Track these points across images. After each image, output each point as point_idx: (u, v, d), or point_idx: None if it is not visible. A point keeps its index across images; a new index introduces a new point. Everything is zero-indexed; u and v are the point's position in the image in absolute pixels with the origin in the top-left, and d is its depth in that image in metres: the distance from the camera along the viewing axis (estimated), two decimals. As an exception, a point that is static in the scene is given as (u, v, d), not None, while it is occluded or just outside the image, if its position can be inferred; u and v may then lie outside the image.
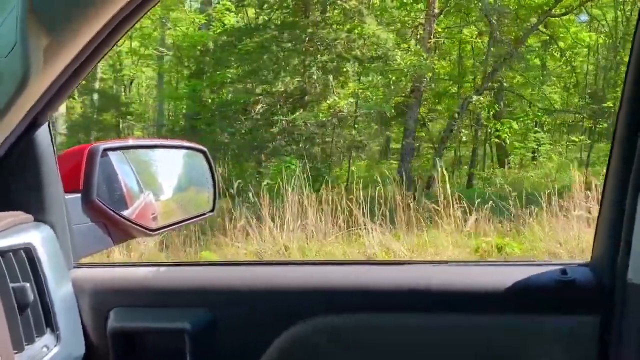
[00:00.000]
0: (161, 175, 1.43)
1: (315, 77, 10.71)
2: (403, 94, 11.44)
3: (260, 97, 11.22)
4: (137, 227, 1.25)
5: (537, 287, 1.15)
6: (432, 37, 11.30)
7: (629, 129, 1.07)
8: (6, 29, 0.85)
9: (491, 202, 6.05)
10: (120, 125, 16.65)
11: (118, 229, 1.23)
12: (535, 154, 13.90)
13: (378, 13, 11.59)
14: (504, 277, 1.16)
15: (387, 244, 5.71)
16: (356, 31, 11.01)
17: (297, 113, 10.66)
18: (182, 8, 16.18)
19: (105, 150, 1.20)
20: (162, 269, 1.26)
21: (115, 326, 1.18)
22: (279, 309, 1.19)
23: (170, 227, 1.36)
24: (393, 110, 11.46)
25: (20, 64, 0.85)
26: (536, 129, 13.71)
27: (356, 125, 11.27)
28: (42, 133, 1.08)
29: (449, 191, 5.86)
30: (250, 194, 6.45)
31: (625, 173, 1.07)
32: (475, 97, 11.12)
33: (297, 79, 10.83)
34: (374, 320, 1.18)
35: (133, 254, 5.78)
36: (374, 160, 13.03)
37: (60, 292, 1.07)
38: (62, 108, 13.88)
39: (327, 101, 10.64)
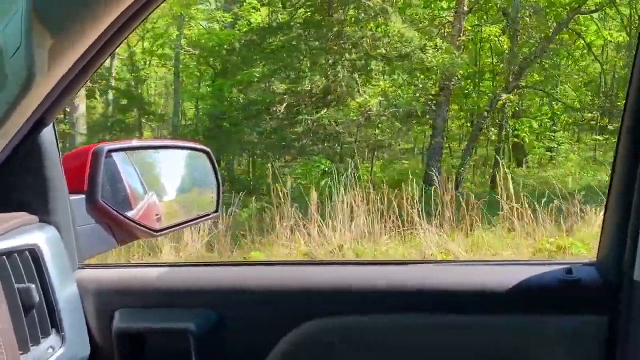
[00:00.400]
0: (165, 176, 1.44)
1: (341, 76, 10.65)
2: (431, 93, 11.36)
3: (285, 96, 11.22)
4: (142, 227, 1.25)
5: (542, 287, 1.14)
6: (461, 34, 11.19)
7: (634, 128, 1.06)
8: (11, 30, 0.85)
9: (544, 200, 5.85)
10: (142, 125, 16.81)
11: (122, 230, 1.23)
12: (553, 153, 13.68)
13: (402, 11, 11.48)
14: (509, 277, 1.15)
15: (443, 245, 5.59)
16: (379, 29, 10.97)
17: (324, 112, 10.64)
18: (199, 7, 16.23)
19: (110, 151, 1.20)
20: (167, 269, 1.26)
21: (120, 327, 1.18)
22: (284, 310, 1.19)
23: (175, 228, 1.36)
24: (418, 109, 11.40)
25: (26, 64, 0.85)
26: (554, 127, 13.51)
27: (380, 125, 11.16)
28: (47, 134, 1.09)
29: (512, 190, 5.69)
30: (281, 193, 6.36)
31: (631, 171, 1.06)
32: (504, 96, 11.02)
33: (323, 78, 10.79)
34: (378, 320, 1.18)
35: (181, 254, 5.81)
36: (389, 160, 12.92)
37: (65, 292, 1.07)
38: (82, 108, 13.97)
39: (357, 99, 10.61)
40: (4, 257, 0.95)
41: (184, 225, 1.39)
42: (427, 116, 11.75)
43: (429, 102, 11.25)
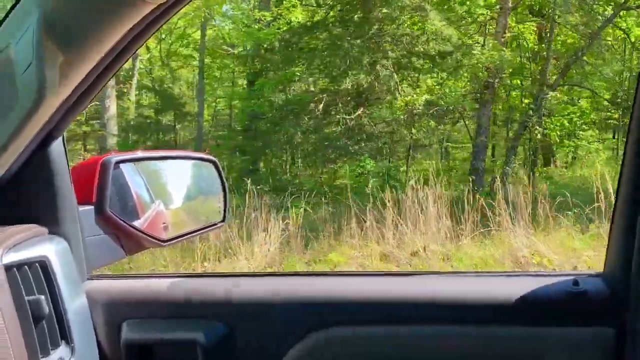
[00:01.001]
0: (172, 187, 1.45)
1: (383, 74, 10.56)
2: (475, 91, 11.19)
3: (324, 95, 11.19)
4: (149, 238, 1.26)
5: (549, 298, 1.13)
6: (506, 31, 10.93)
7: None
8: (23, 47, 0.87)
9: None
10: (176, 126, 16.93)
11: (130, 241, 1.25)
12: (581, 152, 13.38)
13: (440, 8, 11.26)
14: (515, 288, 1.14)
15: (533, 247, 5.45)
16: (415, 27, 10.84)
17: (360, 110, 10.55)
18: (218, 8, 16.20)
19: (118, 162, 1.22)
20: (176, 280, 1.27)
21: (128, 338, 1.19)
22: (292, 321, 1.19)
23: (182, 238, 1.37)
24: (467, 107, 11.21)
25: (37, 80, 0.87)
26: (584, 126, 13.14)
27: (421, 123, 11.03)
28: (57, 147, 1.10)
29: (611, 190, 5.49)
30: (346, 193, 6.27)
31: (638, 182, 1.04)
32: (551, 93, 10.83)
33: (365, 76, 10.68)
34: (386, 331, 1.17)
35: (259, 255, 5.82)
36: (423, 158, 12.78)
37: (74, 304, 1.08)
38: (113, 109, 13.99)
39: (405, 98, 10.47)
40: (15, 269, 0.96)
41: (192, 235, 1.40)
42: (471, 114, 11.58)
43: (474, 100, 11.11)
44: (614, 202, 1.13)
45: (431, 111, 10.64)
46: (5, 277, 0.90)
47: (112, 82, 13.97)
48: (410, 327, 1.16)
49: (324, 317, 1.18)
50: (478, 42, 10.76)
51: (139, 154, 1.36)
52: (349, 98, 11.15)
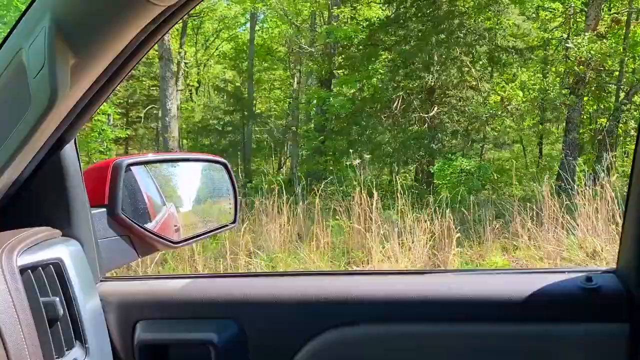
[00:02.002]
0: (183, 189, 1.45)
1: (468, 69, 10.29)
2: (568, 85, 10.75)
3: (405, 92, 10.97)
4: (161, 240, 1.27)
5: (562, 295, 1.11)
6: (599, 23, 10.51)
7: None
8: (35, 50, 0.88)
9: None
10: (245, 128, 16.62)
11: (143, 243, 1.25)
12: None
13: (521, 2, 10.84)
14: (527, 286, 1.12)
15: None
16: (489, 22, 10.54)
17: (441, 107, 10.30)
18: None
19: (129, 165, 1.23)
20: (188, 280, 1.27)
21: (142, 338, 1.20)
22: (305, 320, 1.18)
23: (193, 240, 1.37)
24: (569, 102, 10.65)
25: (49, 84, 0.88)
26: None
27: (508, 119, 10.76)
28: (69, 150, 1.12)
29: None
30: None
31: None
32: None
33: (451, 71, 10.42)
34: (398, 330, 1.16)
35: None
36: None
37: (88, 305, 1.09)
38: (174, 110, 13.53)
39: (500, 93, 10.18)
40: (29, 271, 0.97)
41: (203, 236, 1.40)
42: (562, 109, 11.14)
43: (566, 95, 10.69)
44: (626, 197, 1.10)
45: (523, 106, 10.22)
46: (20, 280, 0.91)
47: (172, 82, 13.58)
48: (423, 325, 1.15)
49: (337, 316, 1.17)
50: (567, 36, 10.27)
51: (150, 156, 1.36)
52: (431, 94, 10.87)
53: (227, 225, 1.42)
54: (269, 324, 1.19)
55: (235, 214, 1.40)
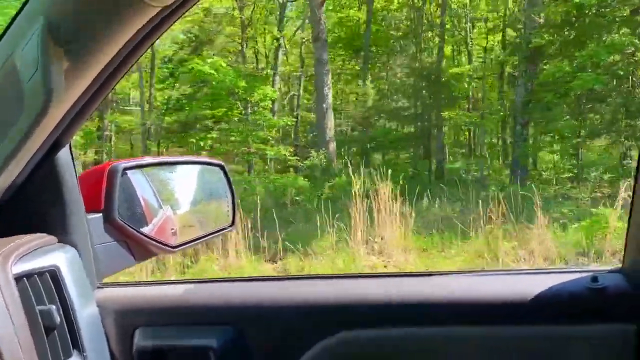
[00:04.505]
0: (180, 192, 1.44)
1: None
2: None
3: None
4: (159, 244, 1.26)
5: (568, 296, 1.10)
6: None
7: None
8: (28, 54, 0.87)
9: None
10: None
11: (140, 247, 1.24)
12: None
13: None
14: (532, 287, 1.11)
15: None
16: None
17: None
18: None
19: (125, 169, 1.21)
20: (188, 286, 1.26)
21: (141, 345, 1.18)
22: (306, 324, 1.17)
23: (192, 244, 1.36)
24: None
25: (42, 88, 0.86)
26: None
27: None
28: (64, 154, 1.10)
29: None
30: None
31: None
32: None
33: None
34: (402, 334, 1.14)
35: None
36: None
37: (85, 312, 1.08)
38: (330, 98, 12.50)
39: None
40: (25, 279, 0.95)
41: (200, 240, 1.39)
42: None
43: None
44: (631, 195, 1.10)
45: None
46: (15, 288, 0.90)
47: (328, 66, 12.62)
48: (427, 329, 1.14)
49: (338, 320, 1.16)
50: None
51: (146, 159, 1.35)
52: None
53: (225, 229, 1.41)
54: (270, 330, 1.18)
55: (233, 217, 1.39)
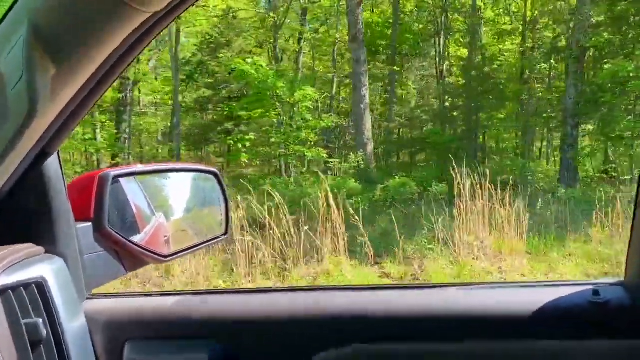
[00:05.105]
0: (173, 200, 1.41)
1: None
2: None
3: None
4: (150, 254, 1.23)
5: (570, 310, 1.08)
6: None
7: None
8: (12, 61, 0.84)
9: None
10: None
11: (131, 257, 1.21)
12: None
13: None
14: (533, 301, 1.09)
15: None
16: None
17: None
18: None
19: (116, 177, 1.19)
20: (179, 298, 1.23)
21: (131, 359, 1.16)
22: (300, 339, 1.14)
23: (184, 253, 1.32)
24: None
25: (28, 96, 0.84)
26: None
27: None
28: (52, 163, 1.07)
29: None
30: None
31: None
32: None
33: None
34: (397, 348, 1.12)
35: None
36: None
37: (73, 325, 1.05)
38: (368, 98, 12.49)
39: None
40: (10, 291, 0.93)
41: (193, 249, 1.36)
42: None
43: None
44: (634, 205, 1.07)
45: None
46: (0, 301, 0.87)
47: (365, 67, 12.40)
48: (425, 344, 1.11)
49: (332, 334, 1.13)
50: None
51: (138, 167, 1.32)
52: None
53: (218, 237, 1.37)
54: (262, 343, 1.15)
55: (227, 225, 1.35)
